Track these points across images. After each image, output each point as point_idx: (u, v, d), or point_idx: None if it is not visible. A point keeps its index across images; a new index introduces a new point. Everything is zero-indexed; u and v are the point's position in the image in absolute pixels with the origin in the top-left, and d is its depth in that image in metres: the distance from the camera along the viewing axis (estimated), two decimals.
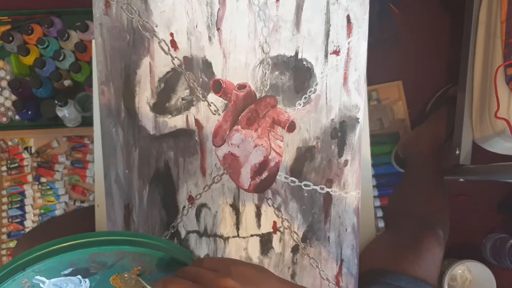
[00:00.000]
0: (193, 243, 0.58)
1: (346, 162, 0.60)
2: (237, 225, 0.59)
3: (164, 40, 0.54)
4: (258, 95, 0.57)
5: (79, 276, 0.39)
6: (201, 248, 0.58)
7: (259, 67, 0.56)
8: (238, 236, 0.59)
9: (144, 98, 0.55)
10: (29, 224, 1.23)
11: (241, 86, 0.56)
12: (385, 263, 0.62)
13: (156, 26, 0.54)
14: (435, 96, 1.20)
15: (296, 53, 0.57)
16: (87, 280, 0.40)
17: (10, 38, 1.10)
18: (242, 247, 0.59)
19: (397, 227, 0.80)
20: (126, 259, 0.39)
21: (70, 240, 0.37)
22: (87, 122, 1.16)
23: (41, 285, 0.37)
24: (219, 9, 0.54)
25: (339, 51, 0.58)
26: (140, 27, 0.54)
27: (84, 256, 0.37)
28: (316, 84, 0.58)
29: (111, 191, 0.56)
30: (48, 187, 1.22)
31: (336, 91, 0.58)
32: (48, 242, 0.36)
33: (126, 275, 0.40)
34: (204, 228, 0.58)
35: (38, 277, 0.36)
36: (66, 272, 0.38)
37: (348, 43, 0.58)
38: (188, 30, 0.54)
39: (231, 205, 0.58)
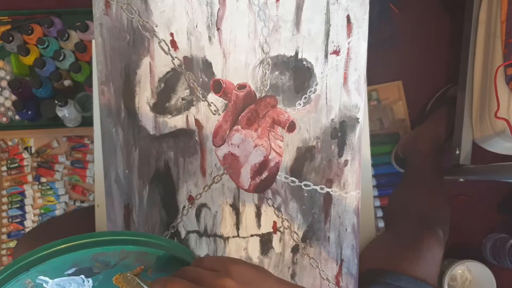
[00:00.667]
0: (193, 243, 0.58)
1: (346, 162, 0.60)
2: (237, 225, 0.59)
3: (164, 40, 0.54)
4: (258, 95, 0.57)
5: (82, 276, 0.39)
6: (201, 248, 0.58)
7: (259, 67, 0.56)
8: (238, 236, 0.59)
9: (144, 98, 0.55)
10: (29, 224, 1.23)
11: (241, 86, 0.56)
12: (385, 263, 0.62)
13: (156, 26, 0.54)
14: (435, 96, 1.20)
15: (296, 53, 0.57)
16: (90, 279, 0.40)
17: (10, 38, 1.10)
18: (242, 247, 0.59)
19: (397, 227, 0.80)
20: (129, 258, 0.39)
21: (74, 240, 0.37)
22: (87, 122, 1.16)
23: (45, 285, 0.37)
24: (219, 9, 0.54)
25: (339, 51, 0.58)
26: (140, 27, 0.54)
27: (87, 256, 0.37)
28: (316, 84, 0.58)
29: (111, 191, 0.56)
30: (48, 187, 1.22)
31: (336, 91, 0.58)
32: (52, 242, 0.36)
33: (128, 274, 0.40)
34: (204, 228, 0.58)
35: (41, 277, 0.36)
36: (69, 272, 0.38)
37: (348, 43, 0.58)
38: (188, 30, 0.54)
39: (231, 205, 0.58)
